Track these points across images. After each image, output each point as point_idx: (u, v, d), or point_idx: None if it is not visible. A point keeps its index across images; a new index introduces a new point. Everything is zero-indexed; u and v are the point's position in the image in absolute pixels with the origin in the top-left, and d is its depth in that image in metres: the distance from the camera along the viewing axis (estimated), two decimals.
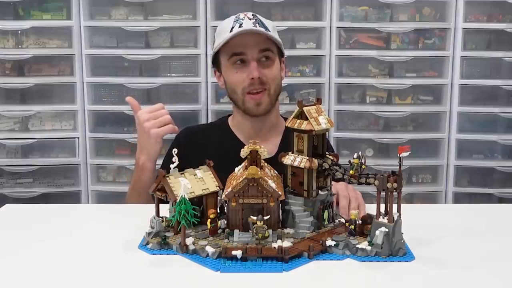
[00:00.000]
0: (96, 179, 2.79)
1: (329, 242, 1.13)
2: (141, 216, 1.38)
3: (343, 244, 1.12)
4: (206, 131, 1.84)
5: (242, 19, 1.65)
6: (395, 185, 1.08)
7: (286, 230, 1.20)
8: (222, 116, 1.92)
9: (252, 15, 1.68)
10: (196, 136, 1.81)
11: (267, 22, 1.69)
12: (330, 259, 1.10)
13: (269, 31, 1.65)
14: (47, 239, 1.25)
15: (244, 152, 1.18)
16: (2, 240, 1.26)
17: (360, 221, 1.19)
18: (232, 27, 1.62)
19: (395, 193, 1.09)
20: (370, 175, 1.13)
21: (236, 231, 1.15)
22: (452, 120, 2.72)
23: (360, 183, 1.15)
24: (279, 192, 1.14)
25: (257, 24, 1.64)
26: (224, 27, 1.66)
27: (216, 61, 1.75)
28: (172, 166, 1.25)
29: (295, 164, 1.19)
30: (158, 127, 1.62)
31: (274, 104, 1.73)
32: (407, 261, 1.09)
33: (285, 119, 1.84)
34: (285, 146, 1.67)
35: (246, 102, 1.67)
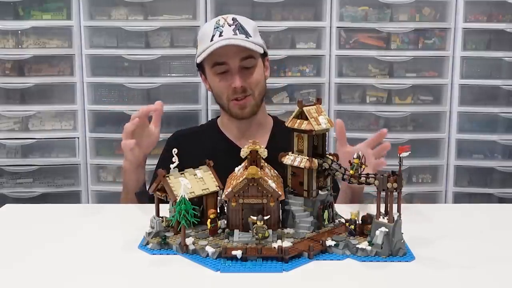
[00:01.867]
0: (96, 179, 2.79)
1: (329, 242, 1.13)
2: (141, 216, 1.39)
3: (343, 244, 1.12)
4: (196, 134, 1.85)
5: (222, 26, 1.63)
6: (395, 185, 1.08)
7: (286, 230, 1.20)
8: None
9: (232, 19, 1.66)
10: (186, 139, 1.81)
11: (248, 24, 1.67)
12: (330, 259, 1.10)
13: (250, 35, 1.64)
14: (47, 239, 1.25)
15: (244, 152, 1.18)
16: (2, 240, 1.26)
17: (360, 221, 1.19)
18: (213, 35, 1.62)
19: (395, 193, 1.09)
20: (370, 175, 1.13)
21: (236, 231, 1.15)
22: (452, 120, 2.72)
23: (360, 183, 1.15)
24: (279, 192, 1.14)
25: (237, 31, 1.62)
26: (206, 34, 1.65)
27: (200, 66, 1.75)
28: (172, 166, 1.25)
29: (295, 164, 1.19)
30: (125, 139, 1.58)
31: (260, 106, 1.74)
32: (407, 261, 1.09)
33: (273, 117, 1.85)
34: (273, 144, 1.67)
35: (231, 108, 1.70)
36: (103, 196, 2.75)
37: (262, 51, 1.69)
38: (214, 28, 1.64)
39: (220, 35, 1.61)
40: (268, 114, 1.86)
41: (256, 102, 1.70)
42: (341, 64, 2.74)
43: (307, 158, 1.18)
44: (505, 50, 2.68)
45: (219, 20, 1.66)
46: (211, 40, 1.62)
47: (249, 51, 1.64)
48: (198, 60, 1.68)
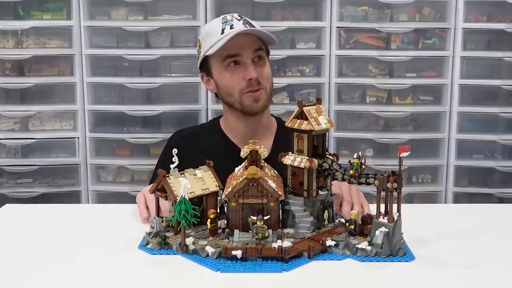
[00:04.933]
0: (96, 179, 2.79)
1: (329, 242, 1.13)
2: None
3: (343, 244, 1.12)
4: (198, 134, 1.82)
5: (231, 21, 1.63)
6: (395, 185, 1.08)
7: (286, 230, 1.20)
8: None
9: (239, 15, 1.66)
10: (187, 140, 1.79)
11: (253, 22, 1.68)
12: (330, 259, 1.10)
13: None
14: (47, 239, 1.25)
15: (244, 152, 1.18)
16: (2, 240, 1.26)
17: (360, 221, 1.19)
18: (223, 29, 1.61)
19: (395, 193, 1.09)
20: (370, 175, 1.13)
21: (236, 231, 1.15)
22: (452, 120, 2.72)
23: (360, 183, 1.15)
24: (279, 192, 1.14)
25: (246, 25, 1.63)
26: (213, 29, 1.64)
27: (204, 65, 1.72)
28: (172, 166, 1.25)
29: (295, 164, 1.19)
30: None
31: (269, 102, 1.73)
32: (407, 261, 1.09)
33: (276, 118, 1.84)
34: (278, 146, 1.67)
35: (244, 101, 1.65)
36: (103, 196, 2.75)
37: (275, 41, 1.69)
38: (223, 23, 1.63)
39: (232, 28, 1.60)
40: (272, 115, 1.85)
41: (268, 96, 1.68)
42: (341, 64, 2.74)
43: (307, 158, 1.18)
44: (505, 50, 2.68)
45: (225, 17, 1.66)
46: (222, 33, 1.60)
47: (259, 43, 1.65)
48: (210, 52, 1.62)
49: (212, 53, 1.61)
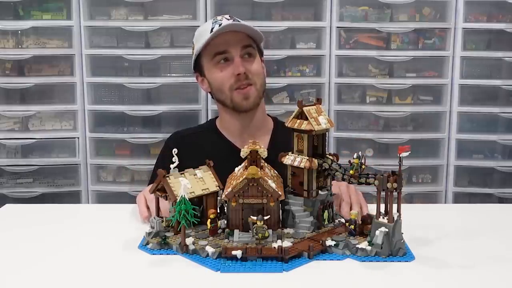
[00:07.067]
0: (96, 179, 2.79)
1: (329, 242, 1.13)
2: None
3: (343, 244, 1.12)
4: (195, 135, 1.84)
5: (221, 20, 1.67)
6: (395, 185, 1.08)
7: (286, 230, 1.20)
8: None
9: (229, 16, 1.70)
10: (185, 140, 1.80)
11: (244, 22, 1.71)
12: (330, 259, 1.10)
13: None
14: (47, 239, 1.25)
15: (244, 152, 1.18)
16: (2, 240, 1.26)
17: (360, 221, 1.19)
18: (212, 28, 1.64)
19: (395, 193, 1.09)
20: (370, 175, 1.13)
21: (236, 231, 1.15)
22: (452, 120, 2.72)
23: (360, 183, 1.15)
24: (279, 192, 1.14)
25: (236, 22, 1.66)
26: (204, 30, 1.68)
27: (197, 65, 1.76)
28: (172, 166, 1.25)
29: (295, 164, 1.19)
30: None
31: (262, 99, 1.74)
32: (407, 261, 1.09)
33: (273, 117, 1.85)
34: (275, 145, 1.67)
35: (234, 98, 1.68)
36: (103, 196, 2.75)
37: (263, 37, 1.71)
38: (213, 23, 1.67)
39: (220, 26, 1.63)
40: (268, 115, 1.85)
41: (258, 93, 1.70)
42: (341, 64, 2.74)
43: (307, 158, 1.18)
44: (505, 50, 2.68)
45: (216, 17, 1.71)
46: (211, 32, 1.63)
47: (248, 40, 1.67)
48: (199, 51, 1.68)
49: (202, 52, 1.66)
